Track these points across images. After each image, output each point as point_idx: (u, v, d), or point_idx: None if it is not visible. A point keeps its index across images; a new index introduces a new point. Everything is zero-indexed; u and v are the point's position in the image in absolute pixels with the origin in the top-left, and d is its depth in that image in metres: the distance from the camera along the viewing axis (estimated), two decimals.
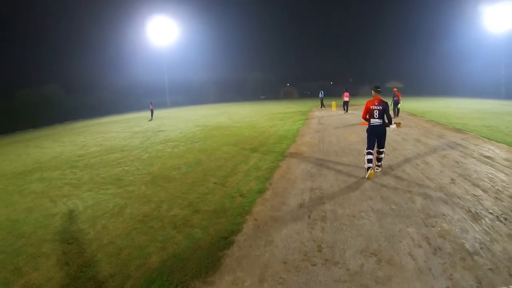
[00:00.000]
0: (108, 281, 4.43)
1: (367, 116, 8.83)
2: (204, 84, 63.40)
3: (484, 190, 7.36)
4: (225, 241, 5.39)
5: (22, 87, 40.37)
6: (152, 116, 31.23)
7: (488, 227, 5.54)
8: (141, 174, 9.82)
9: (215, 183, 8.54)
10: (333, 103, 33.35)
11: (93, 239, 5.78)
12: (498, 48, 47.63)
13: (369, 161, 8.66)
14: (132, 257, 5.05)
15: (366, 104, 8.85)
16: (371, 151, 8.70)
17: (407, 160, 10.17)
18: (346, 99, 28.51)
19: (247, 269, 4.54)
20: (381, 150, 8.97)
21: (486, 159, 10.08)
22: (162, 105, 51.32)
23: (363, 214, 6.36)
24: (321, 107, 35.11)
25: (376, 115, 8.70)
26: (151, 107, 32.50)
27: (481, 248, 4.91)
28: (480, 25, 49.94)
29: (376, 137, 8.82)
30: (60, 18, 51.34)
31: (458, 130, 16.19)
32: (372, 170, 8.58)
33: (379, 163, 9.08)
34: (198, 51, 61.52)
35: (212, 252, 5.02)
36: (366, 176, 8.49)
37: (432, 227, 5.61)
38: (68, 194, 8.47)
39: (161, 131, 19.13)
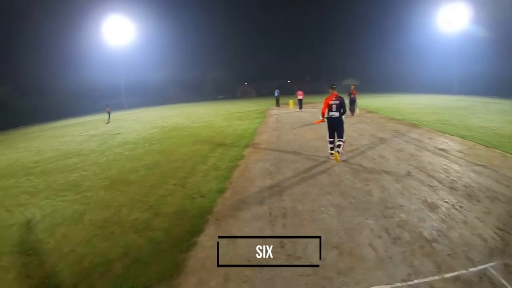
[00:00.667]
0: None
1: (327, 110, 10.08)
2: (161, 85, 62.20)
3: (439, 181, 7.72)
4: (188, 242, 5.33)
5: None
6: (109, 119, 30.48)
7: (444, 216, 5.84)
8: (99, 178, 9.59)
9: (174, 184, 8.44)
10: (291, 101, 33.81)
11: (53, 248, 5.54)
12: (452, 46, 50.40)
13: (331, 148, 10.20)
14: (94, 264, 4.88)
15: (325, 100, 10.18)
16: (331, 140, 10.20)
17: (364, 155, 10.44)
18: (300, 97, 30.15)
19: (211, 270, 4.52)
20: (339, 139, 10.03)
21: (440, 152, 10.56)
22: (119, 107, 49.91)
23: (322, 209, 6.48)
24: (277, 105, 35.43)
25: (334, 109, 10.01)
26: (107, 110, 31.71)
27: (438, 235, 5.16)
28: (434, 24, 52.96)
29: (334, 128, 10.11)
30: (11, 17, 48.87)
31: (413, 125, 16.80)
32: (336, 152, 9.76)
33: (339, 149, 9.83)
34: (155, 51, 60.25)
35: (176, 255, 4.95)
36: (332, 158, 9.90)
37: (391, 218, 5.82)
38: (25, 203, 8.08)
39: (119, 133, 18.71)
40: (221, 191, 7.81)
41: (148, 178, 9.12)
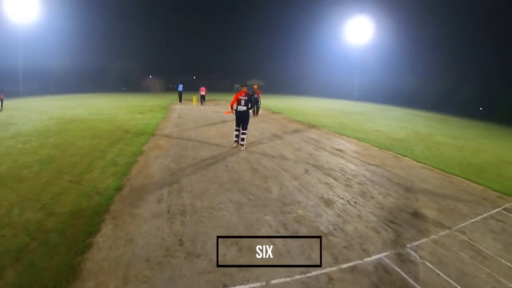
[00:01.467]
0: None
1: (236, 104, 11.97)
2: (62, 72, 57.68)
3: (335, 179, 8.54)
4: (84, 244, 5.21)
5: None
6: (1, 106, 27.69)
7: (340, 211, 6.54)
8: None
9: (70, 181, 8.11)
10: (194, 97, 33.91)
11: None
12: (354, 56, 56.42)
13: (236, 136, 12.29)
14: None
15: (235, 95, 12.10)
16: (237, 128, 12.13)
17: (264, 154, 10.90)
18: (203, 93, 31.74)
19: (109, 272, 4.49)
20: (243, 131, 12.05)
21: (337, 152, 11.54)
22: (15, 93, 45.42)
23: (221, 205, 6.81)
24: (180, 101, 35.20)
25: (242, 104, 12.00)
26: (0, 96, 28.26)
27: (334, 229, 5.79)
28: (340, 34, 57.85)
29: (241, 120, 11.99)
30: None
31: (313, 126, 17.99)
32: (237, 143, 12.22)
33: (242, 143, 12.11)
34: (58, 35, 54.92)
35: (71, 258, 4.81)
36: (233, 146, 12.25)
37: (289, 213, 6.35)
38: None
39: (12, 123, 17.27)
40: (119, 188, 7.72)
41: (42, 175, 8.63)
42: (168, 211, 6.54)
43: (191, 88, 48.43)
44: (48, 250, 5.04)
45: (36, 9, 49.80)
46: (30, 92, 48.14)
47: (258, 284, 4.19)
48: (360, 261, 4.85)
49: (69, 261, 4.73)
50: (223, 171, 9.12)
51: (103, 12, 62.39)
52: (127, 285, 4.19)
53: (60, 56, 55.63)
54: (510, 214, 7.09)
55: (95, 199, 7.05)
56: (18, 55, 49.54)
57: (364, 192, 7.82)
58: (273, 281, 4.31)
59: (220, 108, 28.90)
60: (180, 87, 36.36)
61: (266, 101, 32.32)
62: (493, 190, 8.71)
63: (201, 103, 31.56)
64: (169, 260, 4.78)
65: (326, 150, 11.87)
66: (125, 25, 67.75)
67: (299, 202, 7.08)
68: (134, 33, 70.71)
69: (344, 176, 8.93)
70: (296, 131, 16.52)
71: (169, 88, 66.36)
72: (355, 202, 7.16)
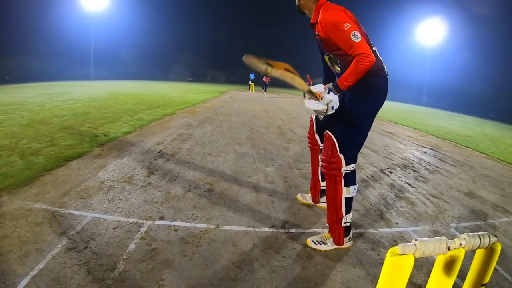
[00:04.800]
0: None
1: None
2: (132, 60, 60.11)
3: (374, 151, 7.88)
4: (57, 164, 5.14)
5: None
6: None
7: (366, 176, 5.81)
8: (22, 119, 9.19)
9: (88, 127, 8.15)
10: (252, 84, 33.82)
11: None
12: (423, 60, 50.40)
13: None
14: None
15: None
16: None
17: (301, 126, 10.38)
18: (265, 80, 32.41)
19: (59, 185, 4.33)
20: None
21: (386, 133, 9.69)
22: (85, 77, 47.61)
23: (222, 153, 6.38)
24: (249, 89, 35.34)
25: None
26: None
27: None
28: (408, 38, 52.63)
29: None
30: None
31: None
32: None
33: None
34: (128, 23, 57.48)
35: (38, 172, 4.75)
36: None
37: (297, 169, 5.73)
38: None
39: (68, 93, 18.17)
40: (128, 132, 7.62)
41: (67, 122, 8.78)
42: (160, 151, 6.28)
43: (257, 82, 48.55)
44: (26, 166, 5.02)
45: None
46: (100, 77, 50.36)
47: (205, 225, 3.67)
48: (373, 231, 3.68)
49: (34, 174, 4.65)
50: (246, 131, 8.74)
51: (173, 4, 63.73)
52: (64, 197, 3.95)
53: (129, 44, 57.59)
54: None
55: (98, 138, 6.98)
56: (89, 42, 51.68)
57: (406, 165, 6.71)
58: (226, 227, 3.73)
59: (277, 96, 28.58)
60: (252, 76, 36.30)
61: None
62: None
63: (264, 91, 32.30)
64: (123, 186, 4.44)
65: (373, 131, 10.86)
66: (193, 17, 68.98)
67: None
68: (201, 25, 71.79)
69: (386, 150, 8.08)
70: None
71: (233, 81, 66.76)
72: (390, 172, 6.13)
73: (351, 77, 2.72)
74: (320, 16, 2.82)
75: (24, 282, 2.42)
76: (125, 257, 2.78)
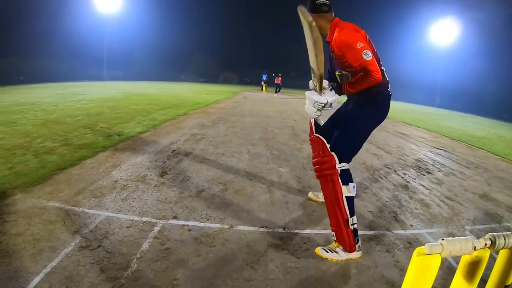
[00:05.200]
0: None
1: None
2: (144, 61, 60.48)
3: (388, 152, 7.74)
4: (70, 163, 5.15)
5: None
6: None
7: (380, 177, 5.73)
8: (36, 119, 9.27)
9: (102, 127, 8.18)
10: (264, 85, 33.83)
11: None
12: (436, 62, 49.12)
13: None
14: None
15: None
16: None
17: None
18: (278, 82, 31.90)
19: (72, 183, 4.32)
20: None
21: (400, 135, 10.84)
22: (98, 78, 48.01)
23: (235, 154, 6.32)
24: (262, 90, 35.43)
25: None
26: None
27: (365, 192, 4.85)
28: (421, 39, 51.65)
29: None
30: None
31: None
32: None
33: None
34: (141, 26, 57.94)
35: (52, 171, 4.75)
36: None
37: (311, 170, 5.61)
38: None
39: (82, 94, 18.32)
40: (142, 133, 7.62)
41: (81, 122, 8.83)
42: (173, 151, 6.25)
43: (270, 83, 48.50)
44: (40, 165, 5.03)
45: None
46: (113, 78, 50.81)
47: (218, 225, 3.62)
48: (388, 232, 3.58)
49: (47, 173, 4.65)
50: (259, 132, 8.71)
51: (186, 5, 63.94)
52: (78, 195, 3.95)
53: (143, 45, 58.03)
54: None
55: (112, 138, 6.99)
56: (103, 43, 52.15)
57: (420, 167, 6.60)
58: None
59: (289, 97, 28.53)
60: (265, 76, 36.23)
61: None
62: None
63: (276, 92, 31.62)
64: (137, 185, 4.41)
65: (387, 132, 10.70)
66: (205, 18, 69.14)
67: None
68: (214, 27, 71.89)
69: (400, 151, 7.98)
70: None
71: (246, 81, 66.73)
72: (404, 174, 6.02)
73: (355, 86, 2.84)
74: (335, 34, 2.96)
75: (37, 279, 2.40)
76: (138, 256, 2.74)
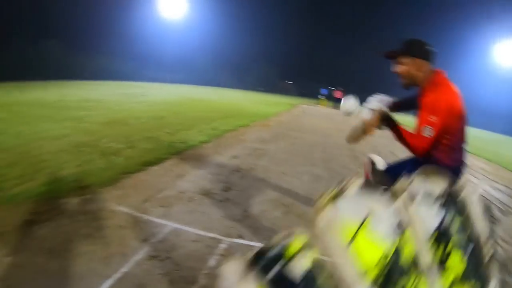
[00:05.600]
0: (16, 180, 4.33)
1: None
2: (206, 67, 62.07)
3: None
4: (137, 168, 5.36)
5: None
6: None
7: None
8: (101, 117, 9.77)
9: (166, 132, 8.49)
10: (324, 99, 33.90)
11: (23, 152, 5.65)
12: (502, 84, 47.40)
13: None
14: (46, 166, 4.99)
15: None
16: None
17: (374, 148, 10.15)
18: (338, 97, 32.04)
19: (140, 189, 4.50)
20: None
21: None
22: (161, 80, 49.66)
23: (297, 174, 6.31)
24: (322, 104, 35.46)
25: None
26: None
27: None
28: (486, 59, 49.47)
29: None
30: None
31: None
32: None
33: None
34: (204, 32, 59.90)
35: (119, 173, 4.97)
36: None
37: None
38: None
39: (143, 95, 19.05)
40: (204, 142, 7.81)
41: (145, 124, 9.24)
42: (236, 166, 6.32)
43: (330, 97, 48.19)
44: (107, 166, 5.31)
45: (185, 6, 53.85)
46: (175, 81, 52.38)
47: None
48: None
49: (115, 175, 4.88)
50: (318, 151, 8.66)
51: (250, 14, 64.90)
52: (145, 203, 4.09)
53: (205, 52, 59.62)
54: None
55: (176, 145, 7.22)
56: (166, 47, 54.06)
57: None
58: None
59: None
60: (325, 91, 36.78)
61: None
62: None
63: (335, 107, 31.11)
64: (202, 199, 4.50)
65: None
66: (268, 27, 69.85)
67: None
68: (276, 36, 72.50)
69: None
70: None
71: (304, 93, 66.58)
72: None
73: (401, 139, 2.67)
74: (433, 95, 2.52)
75: (108, 283, 2.55)
76: (205, 271, 2.80)
